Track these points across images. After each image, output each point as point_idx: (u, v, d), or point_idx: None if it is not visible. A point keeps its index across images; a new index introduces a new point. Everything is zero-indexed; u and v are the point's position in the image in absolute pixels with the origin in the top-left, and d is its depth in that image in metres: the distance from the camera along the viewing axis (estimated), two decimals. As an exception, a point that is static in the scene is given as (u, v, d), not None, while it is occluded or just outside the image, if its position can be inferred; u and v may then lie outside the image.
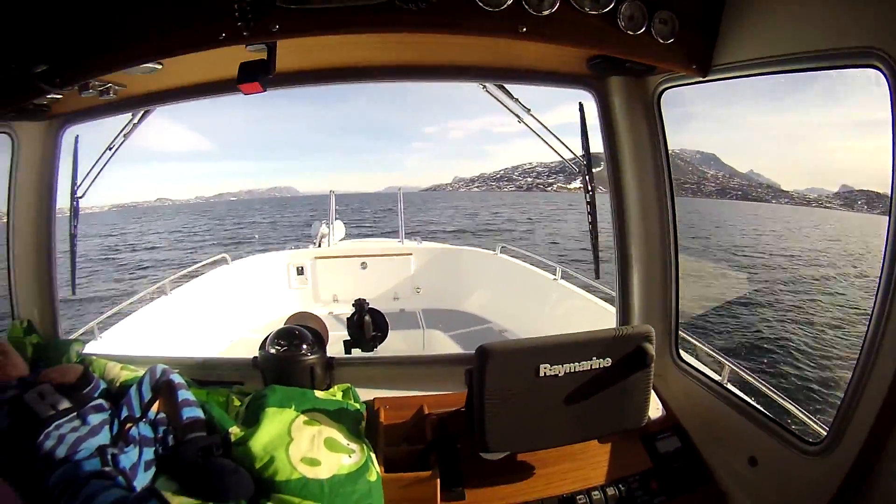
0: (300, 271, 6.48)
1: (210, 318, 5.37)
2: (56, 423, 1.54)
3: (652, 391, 1.70)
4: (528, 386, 1.45)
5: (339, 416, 1.68)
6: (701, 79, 1.63)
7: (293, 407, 1.64)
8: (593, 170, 2.16)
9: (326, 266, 6.43)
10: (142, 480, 1.44)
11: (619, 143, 1.95)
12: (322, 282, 6.44)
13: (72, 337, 2.70)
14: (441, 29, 1.36)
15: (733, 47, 1.53)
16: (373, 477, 1.49)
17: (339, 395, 1.81)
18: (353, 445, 1.58)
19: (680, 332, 2.08)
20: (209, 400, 1.83)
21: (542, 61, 1.83)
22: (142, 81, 1.84)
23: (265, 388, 1.75)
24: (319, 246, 7.09)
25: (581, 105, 2.01)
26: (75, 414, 1.59)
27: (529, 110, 2.13)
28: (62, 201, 2.47)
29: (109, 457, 1.41)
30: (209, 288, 5.75)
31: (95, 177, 2.46)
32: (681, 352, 2.07)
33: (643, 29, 1.42)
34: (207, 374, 2.19)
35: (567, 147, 2.15)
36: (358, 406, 1.80)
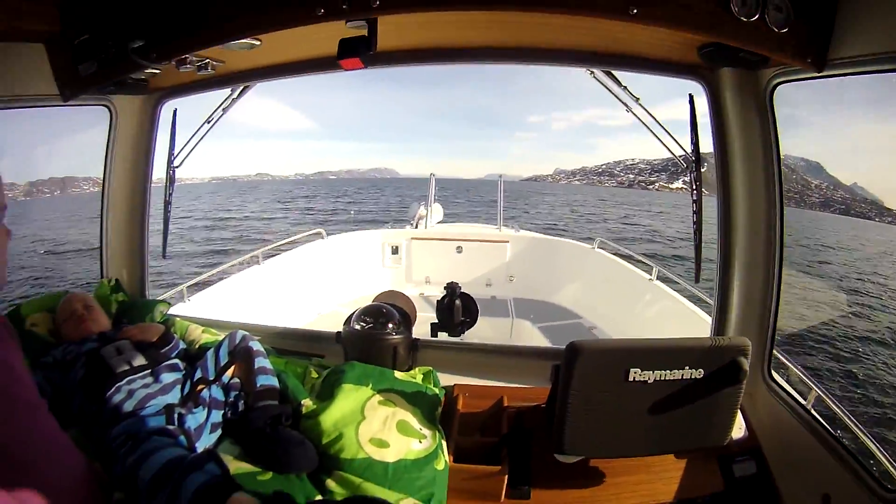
0: (395, 251, 6.54)
1: (301, 289, 5.51)
2: (129, 378, 1.60)
3: (739, 409, 1.58)
4: (615, 389, 1.37)
5: (415, 399, 1.66)
6: (815, 74, 1.49)
7: (370, 385, 1.62)
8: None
9: (422, 247, 6.43)
10: (205, 441, 1.48)
11: (730, 140, 1.82)
12: (416, 263, 6.46)
13: (160, 298, 2.85)
14: (546, 7, 1.30)
15: (850, 41, 1.38)
16: (440, 465, 1.46)
17: (419, 378, 1.78)
18: (426, 431, 1.56)
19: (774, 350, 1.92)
20: (287, 370, 1.86)
21: (651, 47, 1.73)
22: (240, 57, 1.87)
23: (344, 364, 1.75)
24: (416, 227, 7.13)
25: (691, 98, 1.88)
26: (149, 371, 1.65)
27: (638, 99, 2.03)
28: (160, 171, 2.61)
29: (176, 416, 1.45)
30: (303, 261, 5.89)
31: (192, 148, 2.55)
32: (772, 371, 1.92)
33: (757, 15, 1.30)
34: (289, 345, 2.24)
35: (676, 141, 2.02)
36: (437, 391, 1.77)
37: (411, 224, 7.29)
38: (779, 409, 1.82)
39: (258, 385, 1.60)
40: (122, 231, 2.60)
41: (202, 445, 1.45)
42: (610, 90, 2.01)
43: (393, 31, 1.51)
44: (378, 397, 1.60)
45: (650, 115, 2.08)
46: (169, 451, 1.21)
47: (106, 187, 2.52)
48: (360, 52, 1.36)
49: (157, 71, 1.98)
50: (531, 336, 4.92)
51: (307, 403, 1.58)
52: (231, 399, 1.60)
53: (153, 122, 2.48)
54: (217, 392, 1.60)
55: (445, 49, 1.82)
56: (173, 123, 2.51)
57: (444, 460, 1.49)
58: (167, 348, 1.82)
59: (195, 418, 1.49)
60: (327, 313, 5.28)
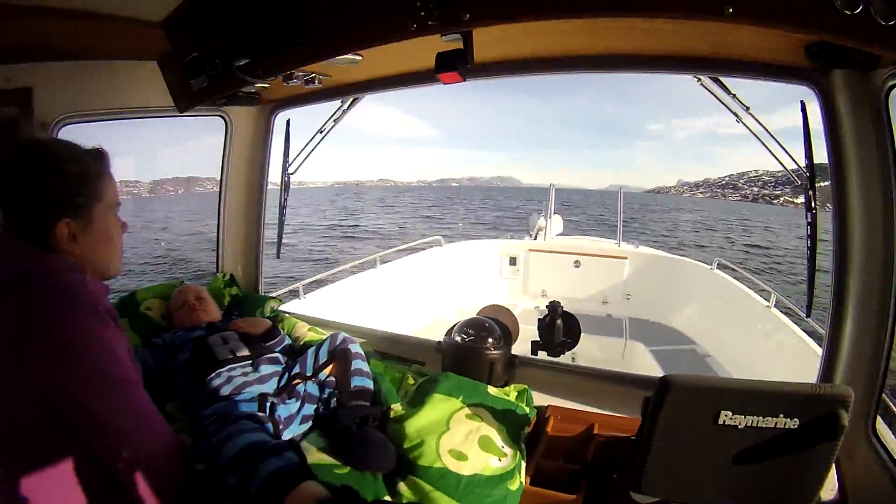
0: (513, 261, 6.60)
1: (416, 295, 5.68)
2: (230, 366, 1.71)
3: (833, 467, 1.38)
4: (702, 431, 1.24)
5: (504, 416, 1.62)
6: None
7: (461, 398, 1.62)
8: (817, 183, 1.77)
9: (540, 259, 6.43)
10: (294, 431, 1.55)
11: (844, 152, 1.59)
12: (533, 275, 6.46)
13: (275, 294, 3.05)
14: (636, 13, 1.23)
15: None
16: (514, 486, 1.42)
17: (512, 395, 1.74)
18: (508, 449, 1.52)
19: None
20: (385, 374, 1.92)
21: (756, 50, 1.57)
22: (345, 71, 1.95)
23: (440, 374, 1.76)
24: (535, 238, 7.09)
25: (803, 105, 1.67)
26: (250, 362, 1.76)
27: (749, 108, 1.85)
28: (276, 175, 2.81)
29: (269, 404, 1.52)
30: (419, 267, 6.08)
31: (307, 156, 2.70)
32: (878, 425, 1.61)
33: (860, 7, 1.10)
34: (392, 349, 2.29)
35: (789, 154, 1.81)
36: (527, 410, 1.72)
37: (530, 235, 7.22)
38: (880, 472, 1.53)
39: (352, 385, 1.67)
40: (237, 230, 2.83)
41: (289, 434, 1.52)
42: (718, 98, 1.84)
43: (489, 42, 1.49)
44: (466, 410, 1.59)
45: (760, 124, 1.89)
46: (253, 435, 1.28)
47: (223, 189, 2.75)
48: (457, 65, 1.37)
49: (267, 85, 2.13)
50: (643, 359, 4.71)
51: (396, 408, 1.60)
52: (325, 395, 1.67)
53: (267, 131, 2.68)
54: (312, 388, 1.67)
55: (544, 59, 1.77)
56: (287, 133, 2.68)
57: (519, 481, 1.45)
58: (272, 342, 1.93)
59: (287, 409, 1.56)
60: (442, 320, 5.33)
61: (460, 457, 1.43)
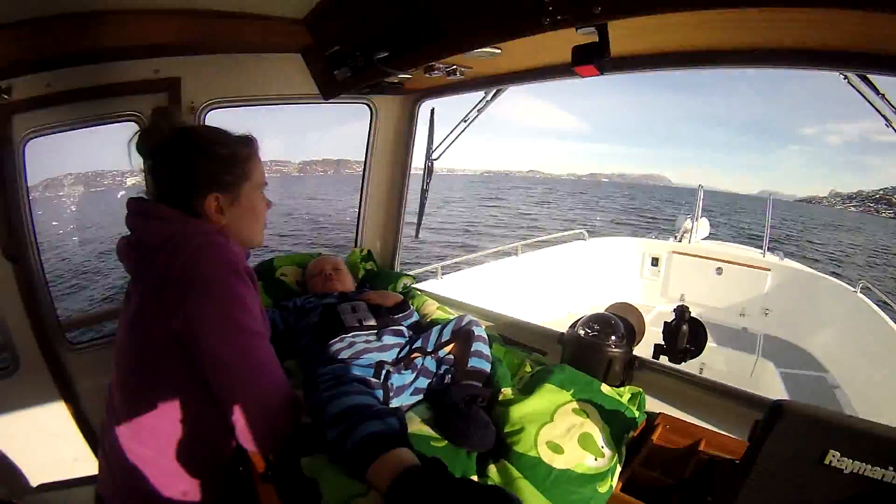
0: (655, 262, 6.51)
1: (553, 287, 5.77)
2: (355, 332, 1.80)
3: None
4: (805, 469, 1.07)
5: (610, 416, 1.56)
6: None
7: (572, 391, 1.59)
8: None
9: (682, 263, 6.26)
10: (403, 400, 1.59)
11: None
12: (674, 277, 6.31)
13: (414, 272, 3.23)
14: (780, 3, 1.11)
15: None
16: (603, 489, 1.37)
17: (625, 397, 1.67)
18: (607, 450, 1.47)
19: None
20: (504, 359, 1.93)
21: None
22: (486, 63, 1.96)
23: (556, 365, 1.74)
24: (679, 241, 6.89)
25: None
26: (375, 331, 1.84)
27: None
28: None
29: (384, 372, 1.56)
30: (560, 259, 6.16)
31: (450, 144, 2.81)
32: None
33: None
34: (516, 335, 2.31)
35: None
36: (636, 414, 1.65)
37: (675, 236, 6.98)
38: None
39: (469, 365, 1.68)
40: (378, 209, 3.02)
41: (398, 403, 1.57)
42: (868, 100, 1.59)
43: (626, 36, 1.44)
44: (574, 404, 1.55)
45: None
46: (360, 398, 1.33)
47: (366, 171, 2.94)
48: (593, 58, 1.34)
49: (409, 76, 2.24)
50: (772, 380, 4.41)
51: (506, 392, 1.62)
52: (440, 372, 1.71)
53: (412, 120, 2.81)
54: (430, 363, 1.72)
55: (685, 53, 1.65)
56: (431, 121, 2.80)
57: (609, 484, 1.40)
58: (400, 315, 2.01)
59: (401, 378, 1.61)
60: (577, 314, 5.26)
61: (557, 449, 1.41)
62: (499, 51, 1.75)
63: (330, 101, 2.54)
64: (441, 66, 2.02)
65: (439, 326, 1.83)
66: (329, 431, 1.26)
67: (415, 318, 2.13)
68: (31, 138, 2.18)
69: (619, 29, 1.31)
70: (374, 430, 1.22)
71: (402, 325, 1.97)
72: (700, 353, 1.99)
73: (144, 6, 1.93)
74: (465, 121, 2.67)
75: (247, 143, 1.45)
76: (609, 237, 6.99)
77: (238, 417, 1.24)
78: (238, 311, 1.24)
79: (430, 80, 2.32)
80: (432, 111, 2.78)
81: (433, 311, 2.32)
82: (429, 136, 2.81)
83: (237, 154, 1.41)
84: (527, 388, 1.61)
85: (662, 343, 2.03)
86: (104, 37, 1.97)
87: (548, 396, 1.54)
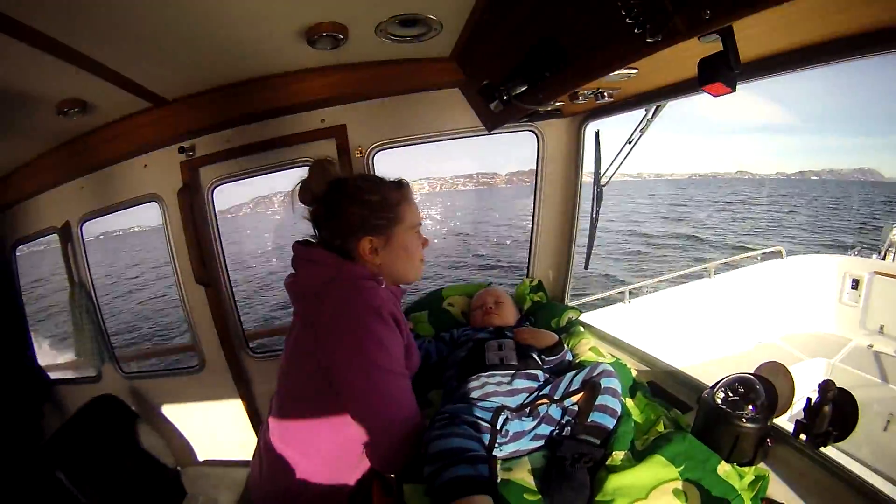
0: (855, 284, 5.26)
1: (744, 313, 5.15)
2: (492, 372, 1.76)
3: None
4: None
5: None
6: None
7: (681, 468, 1.34)
8: None
9: (886, 286, 4.98)
10: (521, 446, 1.53)
11: None
12: (876, 304, 5.05)
13: (600, 295, 3.06)
14: None
15: None
16: None
17: (746, 479, 1.30)
18: None
19: None
20: (643, 412, 1.72)
21: None
22: (629, 84, 1.81)
23: (677, 433, 1.48)
24: (884, 258, 5.59)
25: None
26: (512, 373, 1.76)
27: None
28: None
29: (502, 417, 1.52)
30: (755, 280, 5.46)
31: (618, 167, 2.60)
32: None
33: None
34: (668, 384, 2.01)
35: None
36: None
37: (880, 252, 5.63)
38: None
39: (589, 419, 1.54)
40: (549, 238, 2.88)
41: (514, 448, 1.52)
42: None
43: (757, 33, 1.15)
44: (678, 484, 1.30)
45: None
46: (463, 441, 1.34)
47: (537, 199, 2.83)
48: (719, 70, 1.09)
49: (561, 103, 2.11)
50: None
51: (616, 456, 1.44)
52: (563, 421, 1.59)
53: (578, 143, 2.63)
54: (555, 411, 1.60)
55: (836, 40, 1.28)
56: (597, 144, 2.58)
57: None
58: (552, 357, 1.94)
59: (520, 424, 1.55)
60: (765, 343, 4.73)
61: None
62: (635, 71, 1.57)
63: (494, 132, 2.54)
64: (585, 91, 1.88)
65: (572, 373, 1.70)
66: (426, 467, 1.30)
67: (567, 358, 2.01)
68: (218, 185, 2.65)
69: (745, 30, 1.03)
70: (462, 473, 1.24)
71: (541, 368, 1.87)
72: (844, 438, 1.45)
73: (307, 65, 2.20)
74: (630, 142, 2.40)
75: (398, 188, 1.59)
76: (807, 255, 5.79)
77: (366, 440, 1.41)
78: (375, 351, 1.38)
79: (583, 104, 2.16)
80: (597, 133, 2.55)
81: (584, 351, 2.10)
82: (595, 159, 2.60)
83: (387, 199, 1.55)
84: (642, 454, 1.42)
85: (804, 419, 1.52)
86: (275, 96, 2.31)
87: (653, 470, 1.34)
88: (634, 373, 1.94)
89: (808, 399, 1.46)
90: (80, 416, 2.39)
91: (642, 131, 2.32)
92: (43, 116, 2.17)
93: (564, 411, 1.59)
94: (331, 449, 1.50)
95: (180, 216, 2.63)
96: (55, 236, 2.99)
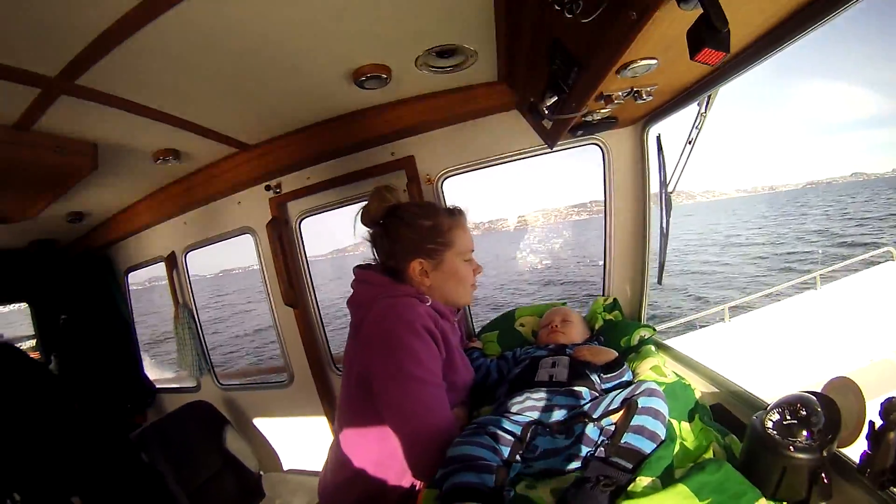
0: None
1: (856, 324, 4.65)
2: (537, 388, 1.72)
3: None
4: None
5: None
6: None
7: (705, 502, 1.15)
8: None
9: None
10: (553, 464, 1.46)
11: None
12: None
13: (696, 315, 2.92)
14: None
15: None
16: None
17: None
18: None
19: None
20: (697, 437, 1.53)
21: None
22: (665, 79, 1.72)
23: (716, 461, 1.29)
24: None
25: None
26: (556, 389, 1.71)
27: None
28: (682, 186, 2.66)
29: (531, 431, 1.51)
30: (866, 288, 5.04)
31: (682, 170, 2.43)
32: None
33: None
34: (735, 408, 1.77)
35: None
36: None
37: None
38: None
39: (623, 440, 1.41)
40: (623, 254, 2.79)
41: (545, 465, 1.46)
42: None
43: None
44: None
45: None
46: (478, 449, 1.35)
47: (608, 214, 2.76)
48: (704, 34, 1.00)
49: (607, 109, 1.99)
50: None
51: (640, 481, 1.27)
52: (599, 441, 1.49)
53: (642, 150, 2.55)
54: (592, 430, 1.50)
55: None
56: (658, 148, 2.47)
57: None
58: (610, 375, 1.85)
59: (551, 442, 1.49)
60: (879, 361, 4.16)
61: None
62: (654, 61, 1.47)
63: (556, 150, 2.56)
64: (619, 93, 1.76)
65: (615, 392, 1.60)
66: (440, 469, 1.34)
67: (626, 377, 1.88)
68: (304, 218, 2.99)
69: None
70: (465, 481, 1.25)
71: (595, 388, 1.77)
72: None
73: (364, 105, 2.43)
74: (690, 142, 2.26)
75: (450, 216, 1.72)
76: None
77: (402, 447, 1.47)
78: (408, 362, 1.46)
79: (641, 106, 2.10)
80: (658, 138, 2.44)
81: (644, 371, 1.93)
82: (659, 165, 2.46)
83: (439, 225, 1.68)
84: (666, 482, 1.27)
85: (868, 450, 1.18)
86: (349, 133, 2.57)
87: (672, 500, 1.16)
88: (698, 394, 1.77)
89: (871, 423, 1.18)
90: (175, 414, 2.76)
91: (699, 128, 2.19)
92: (142, 165, 2.61)
93: (600, 431, 1.51)
94: (382, 454, 1.58)
95: (269, 246, 2.99)
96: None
